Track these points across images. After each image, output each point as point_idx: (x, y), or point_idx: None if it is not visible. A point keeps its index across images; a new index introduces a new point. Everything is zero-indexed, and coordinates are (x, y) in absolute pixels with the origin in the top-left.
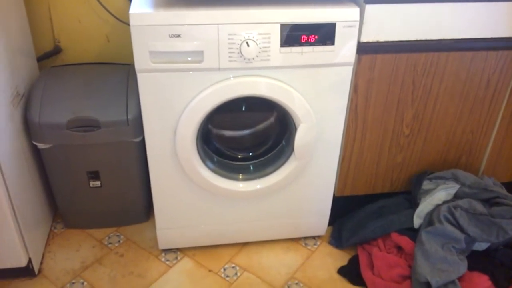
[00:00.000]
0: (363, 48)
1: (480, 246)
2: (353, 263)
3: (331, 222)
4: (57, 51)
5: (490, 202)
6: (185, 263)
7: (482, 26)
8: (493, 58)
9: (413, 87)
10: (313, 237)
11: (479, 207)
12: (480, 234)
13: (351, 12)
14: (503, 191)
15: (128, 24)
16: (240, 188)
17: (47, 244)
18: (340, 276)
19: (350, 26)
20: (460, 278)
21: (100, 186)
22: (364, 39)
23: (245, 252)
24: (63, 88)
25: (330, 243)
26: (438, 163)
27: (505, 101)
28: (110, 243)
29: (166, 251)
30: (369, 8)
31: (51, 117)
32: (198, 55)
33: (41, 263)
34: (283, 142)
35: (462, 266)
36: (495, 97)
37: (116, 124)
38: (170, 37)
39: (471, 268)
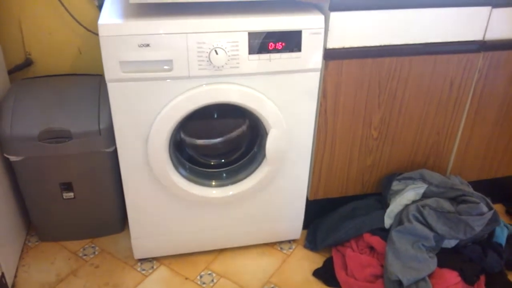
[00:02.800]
0: (330, 54)
1: (449, 243)
2: (328, 265)
3: (306, 225)
4: (28, 63)
5: (457, 200)
6: (161, 272)
7: (444, 31)
8: (455, 61)
9: (379, 91)
10: (289, 241)
11: (447, 205)
12: (448, 231)
13: (316, 20)
14: (469, 189)
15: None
16: (213, 194)
17: (21, 257)
18: (315, 278)
19: (316, 33)
20: (430, 275)
21: (74, 198)
22: (330, 45)
23: (221, 258)
24: (34, 100)
25: (305, 246)
26: (407, 164)
27: (469, 102)
28: (85, 255)
29: (142, 260)
30: (334, 15)
31: (22, 129)
32: (167, 64)
33: (15, 276)
34: (255, 148)
35: (432, 264)
36: (458, 99)
37: (88, 135)
38: (139, 46)
39: (441, 265)
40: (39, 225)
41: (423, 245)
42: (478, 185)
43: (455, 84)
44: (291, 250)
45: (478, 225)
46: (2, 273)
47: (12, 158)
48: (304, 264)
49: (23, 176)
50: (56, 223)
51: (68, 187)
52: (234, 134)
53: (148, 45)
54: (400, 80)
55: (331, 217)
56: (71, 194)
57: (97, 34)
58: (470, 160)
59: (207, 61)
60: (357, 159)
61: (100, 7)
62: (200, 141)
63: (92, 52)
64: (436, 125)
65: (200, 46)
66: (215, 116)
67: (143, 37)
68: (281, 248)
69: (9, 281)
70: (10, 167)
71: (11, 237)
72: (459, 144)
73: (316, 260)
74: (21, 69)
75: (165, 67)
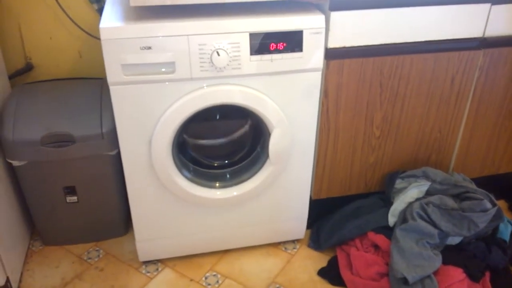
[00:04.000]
0: (331, 54)
1: (453, 240)
2: (333, 264)
3: (310, 225)
4: (29, 68)
5: (460, 197)
6: (166, 274)
7: (444, 28)
8: (456, 58)
9: (381, 90)
10: (293, 241)
11: (450, 202)
12: (452, 228)
13: (317, 20)
14: (472, 185)
15: (99, 39)
16: (217, 195)
17: (25, 262)
18: (320, 278)
19: (317, 33)
20: (435, 272)
21: (77, 202)
22: (331, 45)
23: (226, 259)
24: (36, 105)
25: (309, 246)
26: (410, 162)
27: (470, 98)
28: (89, 258)
29: (147, 263)
30: (334, 15)
31: (24, 134)
32: (170, 66)
33: (20, 281)
34: (258, 149)
35: (437, 261)
36: (460, 96)
37: (91, 138)
38: (141, 49)
39: (445, 262)
40: (43, 229)
41: (427, 242)
42: (480, 182)
43: (456, 82)
44: (295, 250)
45: (482, 222)
46: (7, 278)
47: (15, 163)
48: (308, 263)
49: (26, 181)
50: (60, 227)
51: (71, 191)
52: (237, 134)
53: (149, 47)
54: (402, 78)
55: (334, 216)
56: (74, 198)
57: (97, 38)
58: (473, 157)
59: (209, 62)
60: (360, 158)
61: (99, 11)
62: (203, 142)
63: (93, 56)
64: (438, 123)
65: (201, 48)
66: (218, 117)
67: (145, 39)
68: (285, 248)
69: (14, 286)
70: (12, 172)
71: (15, 242)
72: (461, 141)
73: (321, 260)
74: (21, 73)
75: (167, 69)
